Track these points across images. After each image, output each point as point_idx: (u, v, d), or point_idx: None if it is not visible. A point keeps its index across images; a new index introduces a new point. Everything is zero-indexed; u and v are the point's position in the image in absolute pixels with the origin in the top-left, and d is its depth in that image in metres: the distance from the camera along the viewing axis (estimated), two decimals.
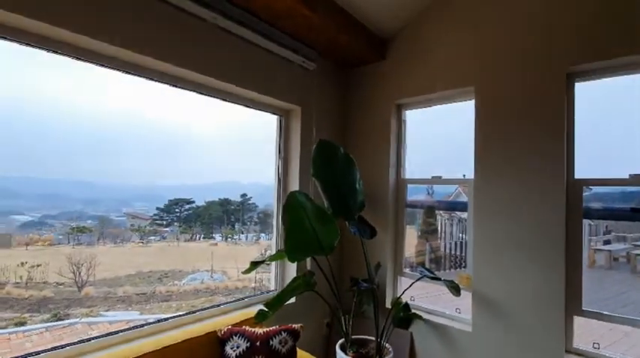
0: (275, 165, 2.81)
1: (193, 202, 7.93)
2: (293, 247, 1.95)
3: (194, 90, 2.22)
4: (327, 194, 2.14)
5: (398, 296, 2.65)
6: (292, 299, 2.55)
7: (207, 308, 2.31)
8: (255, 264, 2.15)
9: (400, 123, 2.96)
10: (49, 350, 1.67)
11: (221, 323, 2.12)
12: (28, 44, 1.57)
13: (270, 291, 2.79)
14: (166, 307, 5.30)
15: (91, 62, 1.77)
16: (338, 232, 2.14)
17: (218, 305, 2.38)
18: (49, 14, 1.48)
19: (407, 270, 2.90)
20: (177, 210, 7.75)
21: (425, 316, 2.60)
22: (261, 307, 1.95)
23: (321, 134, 2.86)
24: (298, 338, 2.16)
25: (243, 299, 2.55)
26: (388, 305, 2.81)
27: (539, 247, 2.11)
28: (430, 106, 2.82)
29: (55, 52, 1.65)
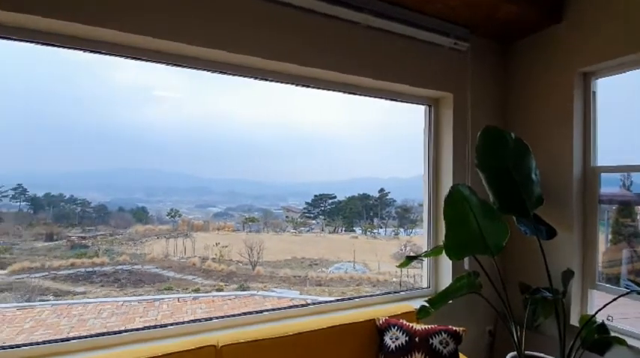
0: (424, 158, 2.70)
1: (335, 197, 8.60)
2: (454, 244, 1.83)
3: (338, 90, 2.34)
4: (493, 187, 1.90)
5: (592, 313, 2.13)
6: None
7: (364, 296, 2.43)
8: (410, 259, 2.12)
9: (588, 95, 2.36)
10: (240, 314, 2.08)
11: (376, 313, 2.18)
12: (219, 72, 2.00)
13: (420, 288, 2.70)
14: (320, 291, 5.96)
15: (253, 78, 2.08)
16: (508, 230, 1.88)
17: (373, 295, 2.47)
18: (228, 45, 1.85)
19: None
20: (321, 204, 8.57)
21: (629, 342, 2.01)
22: (423, 303, 1.90)
23: (478, 120, 2.57)
24: (460, 342, 2.01)
25: (397, 292, 2.56)
26: (574, 322, 2.29)
27: None
28: (630, 70, 2.14)
29: (226, 73, 2.02)
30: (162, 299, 4.35)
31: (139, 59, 1.81)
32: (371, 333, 2.07)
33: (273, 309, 2.18)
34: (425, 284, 2.72)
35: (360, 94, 2.42)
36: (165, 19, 1.70)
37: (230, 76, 2.06)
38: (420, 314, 1.87)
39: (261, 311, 2.14)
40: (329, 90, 2.33)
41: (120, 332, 1.82)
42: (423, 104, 2.67)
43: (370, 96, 2.46)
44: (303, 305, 2.32)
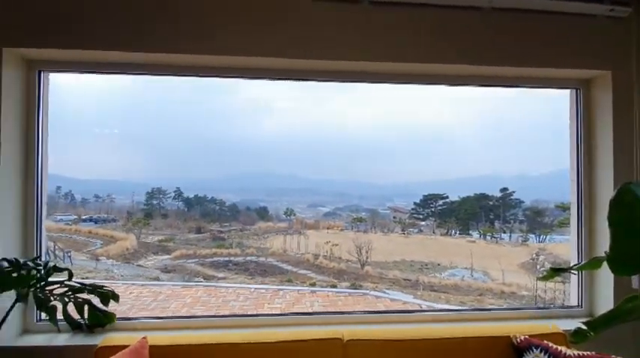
0: (570, 151, 2.29)
1: (447, 197, 8.00)
2: (623, 257, 1.47)
3: (460, 84, 2.20)
4: None
5: None
6: None
7: (494, 308, 2.22)
8: (556, 271, 1.81)
9: None
10: (361, 312, 2.15)
11: (511, 329, 1.95)
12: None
13: (567, 307, 2.29)
14: (435, 296, 5.63)
15: (369, 82, 2.12)
16: None
17: (505, 308, 2.24)
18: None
19: None
20: (431, 204, 8.10)
21: None
22: (580, 325, 1.60)
23: None
24: None
25: (536, 308, 2.25)
26: None
27: None
28: None
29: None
30: (284, 289, 4.87)
31: (266, 79, 2.07)
32: (505, 351, 1.85)
33: (399, 311, 2.18)
34: (574, 302, 2.29)
35: (487, 85, 2.21)
36: (292, 42, 1.89)
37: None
38: (576, 337, 1.57)
39: (388, 312, 2.18)
40: (449, 85, 2.20)
41: (257, 315, 2.12)
42: (568, 88, 2.26)
43: (499, 87, 2.22)
44: (422, 311, 2.27)
